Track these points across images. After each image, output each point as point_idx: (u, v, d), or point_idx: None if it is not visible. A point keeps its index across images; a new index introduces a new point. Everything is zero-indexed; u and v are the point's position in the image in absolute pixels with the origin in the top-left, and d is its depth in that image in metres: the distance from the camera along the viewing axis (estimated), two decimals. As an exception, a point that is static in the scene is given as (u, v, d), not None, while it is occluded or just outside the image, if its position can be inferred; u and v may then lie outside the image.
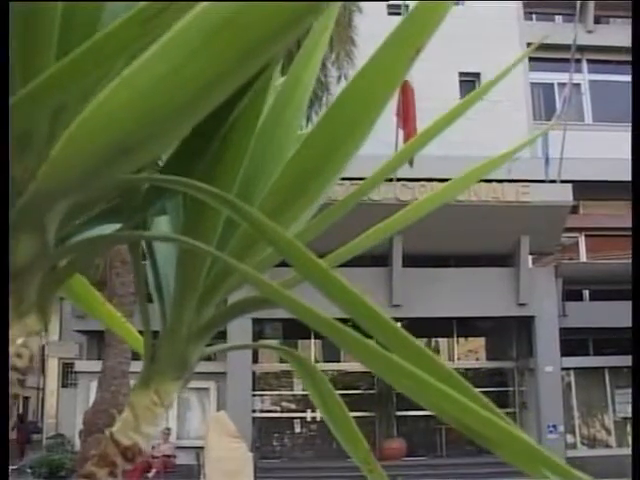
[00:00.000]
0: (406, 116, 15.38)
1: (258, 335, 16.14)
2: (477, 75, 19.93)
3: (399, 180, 15.03)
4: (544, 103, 21.79)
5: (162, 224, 1.03)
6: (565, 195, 16.62)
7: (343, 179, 1.10)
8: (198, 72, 0.58)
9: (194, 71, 0.57)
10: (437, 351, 19.51)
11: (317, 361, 18.08)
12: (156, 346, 0.94)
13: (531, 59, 20.68)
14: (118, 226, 0.92)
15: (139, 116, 0.59)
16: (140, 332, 1.07)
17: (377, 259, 16.56)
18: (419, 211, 1.07)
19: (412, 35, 0.79)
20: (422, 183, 15.36)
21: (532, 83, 21.51)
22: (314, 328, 0.69)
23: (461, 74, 19.63)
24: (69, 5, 0.69)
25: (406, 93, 15.52)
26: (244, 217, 0.75)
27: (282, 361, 15.19)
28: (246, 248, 0.92)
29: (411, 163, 15.29)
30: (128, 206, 0.88)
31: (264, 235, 0.74)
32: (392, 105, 15.21)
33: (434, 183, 13.78)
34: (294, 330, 16.90)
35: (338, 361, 18.40)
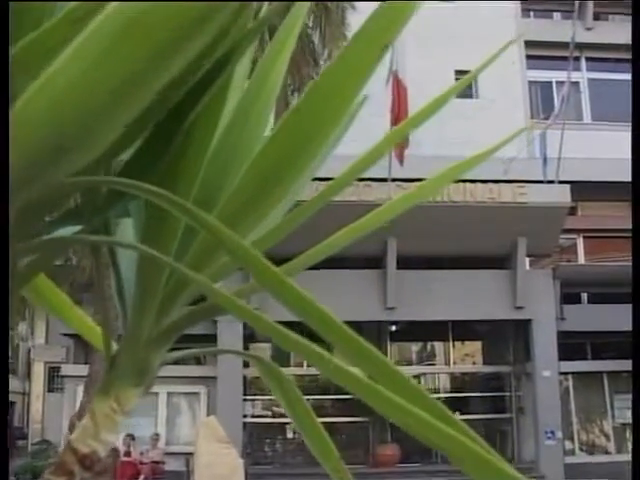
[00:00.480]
0: (399, 114, 15.12)
1: (249, 338, 15.83)
2: (474, 73, 19.67)
3: (394, 180, 14.76)
4: (542, 102, 21.54)
5: (129, 226, 1.02)
6: (563, 196, 16.44)
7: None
8: (111, 71, 0.59)
9: (108, 70, 0.58)
10: (433, 355, 19.33)
11: (309, 365, 17.82)
12: (116, 352, 0.95)
13: (529, 57, 20.48)
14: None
15: (65, 112, 0.60)
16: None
17: (371, 261, 16.37)
18: (392, 211, 1.09)
19: (379, 33, 0.81)
20: (417, 184, 15.06)
21: (530, 81, 21.32)
22: (265, 335, 0.70)
23: (457, 72, 19.31)
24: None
25: (399, 90, 15.30)
26: (201, 224, 0.75)
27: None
28: (209, 251, 0.92)
29: (401, 162, 15.05)
30: (88, 208, 0.88)
31: (221, 242, 0.76)
32: (387, 103, 15.02)
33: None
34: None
35: (331, 365, 18.14)
